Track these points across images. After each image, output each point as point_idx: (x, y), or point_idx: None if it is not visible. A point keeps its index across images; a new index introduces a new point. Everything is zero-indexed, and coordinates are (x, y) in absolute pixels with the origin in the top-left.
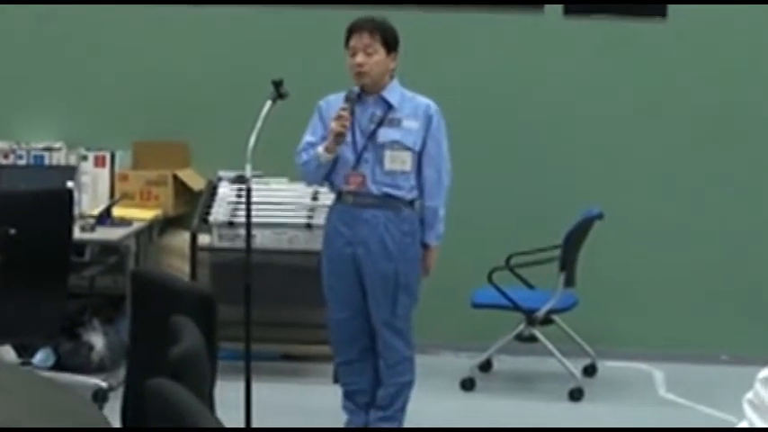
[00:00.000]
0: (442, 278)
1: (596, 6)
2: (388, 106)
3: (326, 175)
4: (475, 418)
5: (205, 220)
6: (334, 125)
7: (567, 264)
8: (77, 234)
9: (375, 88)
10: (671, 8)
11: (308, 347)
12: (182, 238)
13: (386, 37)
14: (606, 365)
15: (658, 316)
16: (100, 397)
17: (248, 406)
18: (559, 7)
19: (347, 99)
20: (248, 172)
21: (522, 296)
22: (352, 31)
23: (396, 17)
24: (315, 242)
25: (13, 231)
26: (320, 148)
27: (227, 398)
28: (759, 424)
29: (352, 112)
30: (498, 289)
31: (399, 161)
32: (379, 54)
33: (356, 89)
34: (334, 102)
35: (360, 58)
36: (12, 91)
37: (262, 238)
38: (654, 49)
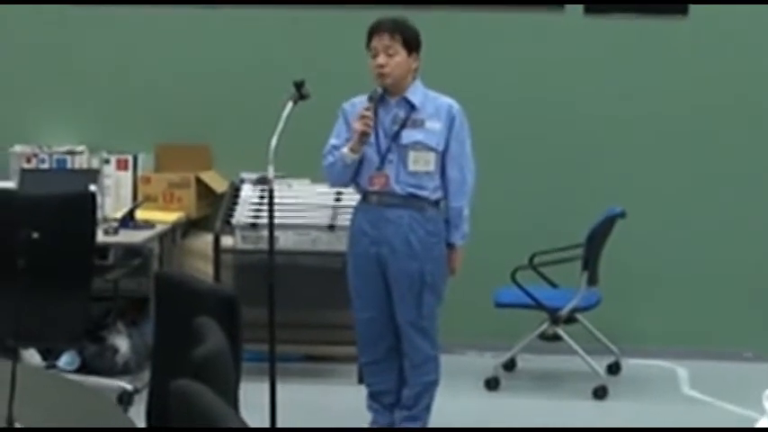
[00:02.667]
0: (466, 278)
1: (617, 5)
2: (411, 107)
3: (353, 176)
4: (500, 417)
5: (228, 222)
6: (357, 125)
7: (590, 262)
8: (101, 237)
9: (397, 89)
10: (692, 5)
11: (332, 348)
12: (205, 240)
13: (406, 38)
14: (630, 363)
15: (682, 314)
16: (125, 400)
17: (273, 407)
18: (580, 6)
19: (370, 99)
20: (270, 173)
21: (545, 295)
22: (372, 32)
23: (415, 17)
24: (338, 243)
25: (36, 235)
26: (345, 149)
27: (252, 399)
28: None
29: (376, 112)
30: (522, 288)
31: (423, 162)
32: (400, 55)
33: (379, 89)
34: (359, 103)
35: (381, 59)
36: (34, 95)
37: (285, 240)
38: (675, 47)
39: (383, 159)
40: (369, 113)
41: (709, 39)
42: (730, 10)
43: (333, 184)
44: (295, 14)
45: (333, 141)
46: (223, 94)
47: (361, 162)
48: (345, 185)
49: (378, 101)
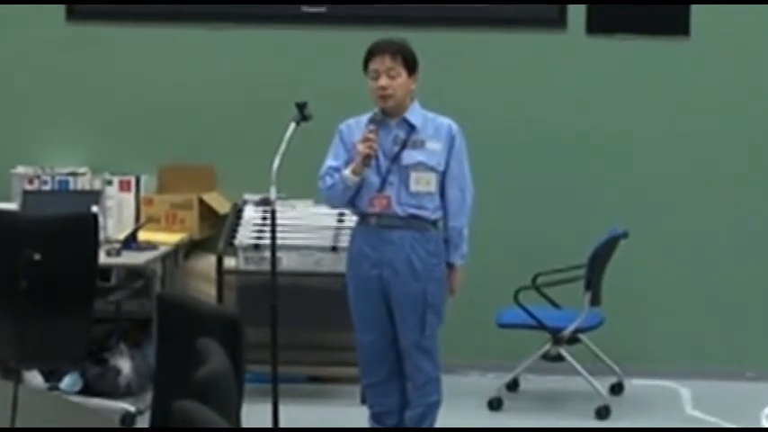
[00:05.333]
0: (468, 298)
1: (619, 25)
2: (411, 128)
3: (351, 198)
4: None
5: (231, 244)
6: (361, 148)
7: (593, 283)
8: (103, 258)
9: (398, 110)
10: (694, 26)
11: (336, 369)
12: (208, 262)
13: (407, 59)
14: (633, 383)
15: (684, 334)
16: (128, 421)
17: (276, 428)
18: (582, 26)
19: (373, 121)
20: (273, 194)
21: (548, 315)
22: (373, 53)
23: (415, 38)
24: (341, 264)
25: (37, 256)
26: (346, 171)
27: (255, 420)
28: None
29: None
30: (524, 308)
31: (424, 182)
32: (402, 76)
33: (380, 112)
34: (355, 125)
35: (383, 81)
36: (36, 116)
37: (288, 261)
38: (677, 68)
39: (384, 181)
40: (372, 136)
41: (710, 58)
42: (732, 29)
43: (331, 206)
44: (297, 35)
45: (330, 163)
46: (226, 115)
47: (360, 184)
48: (343, 207)
49: (379, 123)
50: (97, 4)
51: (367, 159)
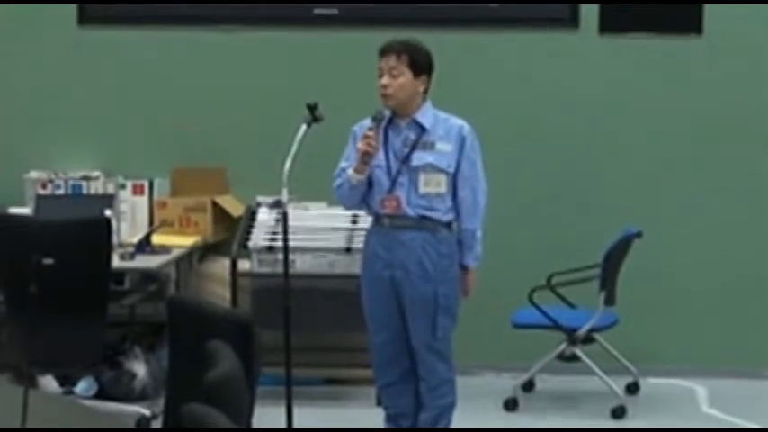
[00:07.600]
0: (483, 299)
1: (632, 24)
2: (422, 129)
3: (363, 198)
4: None
5: (245, 246)
6: (360, 145)
7: (608, 282)
8: (117, 262)
9: (406, 111)
10: (706, 25)
11: (350, 371)
12: (222, 265)
13: (414, 59)
14: (648, 383)
15: (700, 332)
16: (143, 425)
17: (290, 428)
18: (595, 25)
19: (374, 119)
20: (285, 196)
21: (563, 315)
22: (381, 52)
23: (427, 38)
24: (355, 266)
25: (48, 261)
26: (350, 171)
27: (270, 423)
28: None
29: (386, 134)
30: (539, 309)
31: (434, 183)
32: (405, 76)
33: (386, 112)
34: (367, 126)
35: (384, 79)
36: (49, 121)
37: (302, 263)
38: (690, 67)
39: (394, 182)
40: (371, 134)
41: (723, 58)
42: (744, 28)
43: (344, 206)
44: (309, 37)
45: (342, 164)
46: (238, 117)
47: (372, 185)
48: (357, 207)
49: (381, 122)
50: (109, 5)
51: (365, 157)
